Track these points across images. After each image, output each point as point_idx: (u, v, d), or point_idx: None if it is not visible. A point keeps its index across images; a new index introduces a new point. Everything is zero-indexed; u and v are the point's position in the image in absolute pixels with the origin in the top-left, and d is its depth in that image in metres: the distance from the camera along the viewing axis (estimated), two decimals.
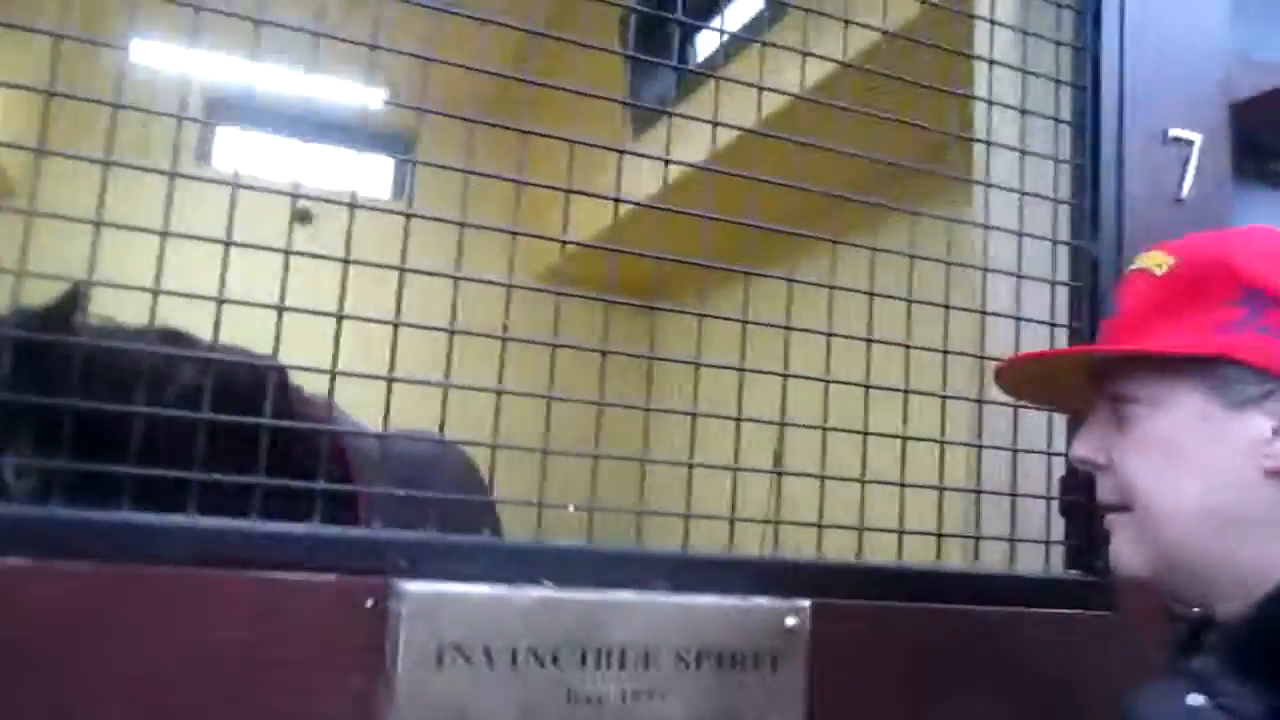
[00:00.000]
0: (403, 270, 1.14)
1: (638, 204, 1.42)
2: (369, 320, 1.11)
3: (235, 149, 8.00)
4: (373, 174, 8.67)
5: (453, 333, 1.22)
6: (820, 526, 1.23)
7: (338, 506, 1.71)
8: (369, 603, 0.92)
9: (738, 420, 1.33)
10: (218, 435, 1.02)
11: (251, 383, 1.60)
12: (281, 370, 1.72)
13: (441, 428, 1.26)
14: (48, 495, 0.97)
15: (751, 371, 1.37)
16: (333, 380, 1.12)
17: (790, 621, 1.07)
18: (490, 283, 1.21)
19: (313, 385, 1.98)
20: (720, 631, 1.04)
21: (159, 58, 5.04)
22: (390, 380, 1.12)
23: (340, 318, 1.07)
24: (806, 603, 1.09)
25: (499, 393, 1.23)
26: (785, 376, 1.36)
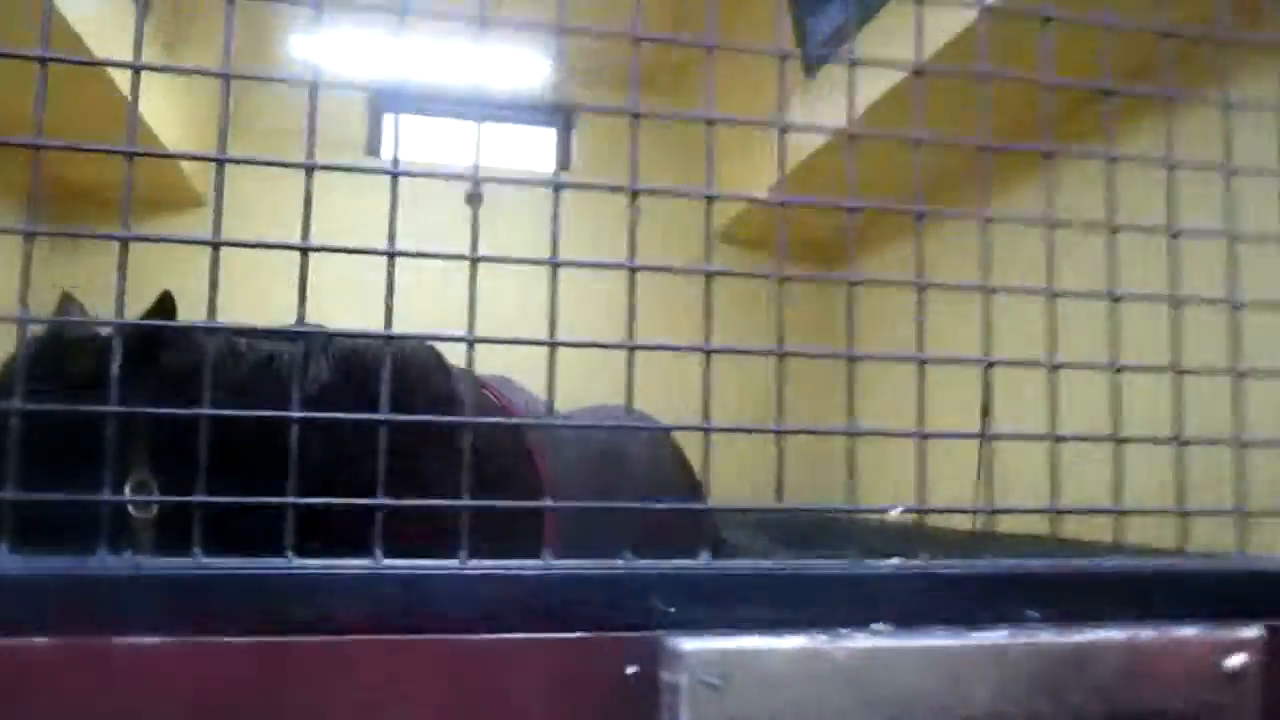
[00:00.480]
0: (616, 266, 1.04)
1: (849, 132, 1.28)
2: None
3: (403, 138, 8.32)
4: (534, 150, 8.83)
5: (712, 271, 0.99)
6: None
7: (526, 529, 1.70)
8: (630, 669, 0.68)
9: (1049, 369, 1.02)
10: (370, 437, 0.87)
11: (409, 367, 1.60)
12: (436, 353, 1.73)
13: (627, 412, 1.14)
14: (176, 530, 0.86)
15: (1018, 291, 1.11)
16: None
17: (1232, 662, 0.72)
18: (728, 273, 1.11)
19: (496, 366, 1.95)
20: (1122, 681, 0.70)
21: (320, 52, 5.26)
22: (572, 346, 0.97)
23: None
24: (1256, 631, 0.72)
25: (706, 352, 1.02)
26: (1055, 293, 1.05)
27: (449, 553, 0.74)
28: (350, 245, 0.97)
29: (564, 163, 8.78)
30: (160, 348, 1.45)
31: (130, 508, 1.26)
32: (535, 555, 1.62)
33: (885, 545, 6.01)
